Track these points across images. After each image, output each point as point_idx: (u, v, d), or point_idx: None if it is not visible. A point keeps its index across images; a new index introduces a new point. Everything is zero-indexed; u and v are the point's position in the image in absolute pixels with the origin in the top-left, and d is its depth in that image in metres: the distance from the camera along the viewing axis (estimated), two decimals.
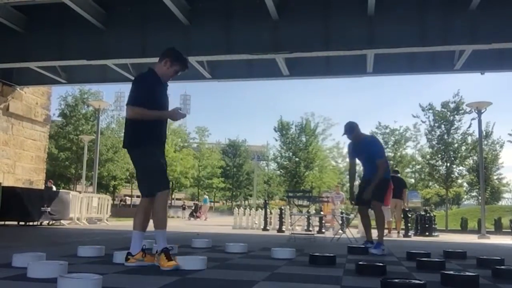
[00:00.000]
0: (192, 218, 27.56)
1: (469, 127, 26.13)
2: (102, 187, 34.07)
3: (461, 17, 10.46)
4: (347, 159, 40.34)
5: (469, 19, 10.37)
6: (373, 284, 3.33)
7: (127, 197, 44.74)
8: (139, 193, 3.97)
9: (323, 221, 13.16)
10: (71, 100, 31.15)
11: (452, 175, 27.42)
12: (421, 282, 2.85)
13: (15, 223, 11.72)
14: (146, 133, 3.73)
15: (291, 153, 37.33)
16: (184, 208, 33.56)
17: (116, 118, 37.78)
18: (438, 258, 4.60)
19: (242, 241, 5.86)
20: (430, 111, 27.24)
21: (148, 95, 3.76)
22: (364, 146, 6.14)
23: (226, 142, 56.04)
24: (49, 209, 12.29)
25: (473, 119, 24.53)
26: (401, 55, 12.64)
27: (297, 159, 36.91)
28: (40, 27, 12.25)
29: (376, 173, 5.89)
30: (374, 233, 6.20)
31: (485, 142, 31.03)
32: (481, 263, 4.46)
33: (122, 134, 4.11)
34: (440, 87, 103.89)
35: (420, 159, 31.82)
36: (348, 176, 6.52)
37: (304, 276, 3.44)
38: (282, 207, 14.17)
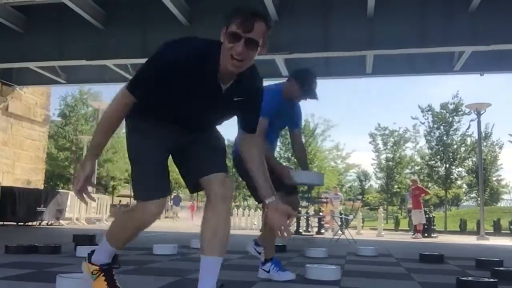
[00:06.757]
0: None
1: (468, 128, 26.22)
2: (101, 187, 34.05)
3: (461, 18, 10.46)
4: (347, 160, 39.26)
5: (469, 20, 10.38)
6: (372, 285, 3.34)
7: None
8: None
9: (322, 222, 13.16)
10: (71, 100, 31.16)
11: (451, 176, 27.47)
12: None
13: (14, 223, 11.70)
14: None
15: (290, 154, 37.33)
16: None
17: None
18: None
19: (240, 242, 5.84)
20: (429, 112, 27.31)
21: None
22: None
23: (225, 142, 55.84)
24: (45, 209, 12.26)
25: (472, 120, 24.62)
26: (400, 56, 12.64)
27: (296, 159, 36.94)
28: (39, 27, 12.23)
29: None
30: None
31: (484, 144, 31.05)
32: (480, 264, 4.47)
33: (122, 134, 4.03)
34: (439, 88, 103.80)
35: (419, 160, 31.84)
36: None
37: (303, 277, 3.43)
38: None
